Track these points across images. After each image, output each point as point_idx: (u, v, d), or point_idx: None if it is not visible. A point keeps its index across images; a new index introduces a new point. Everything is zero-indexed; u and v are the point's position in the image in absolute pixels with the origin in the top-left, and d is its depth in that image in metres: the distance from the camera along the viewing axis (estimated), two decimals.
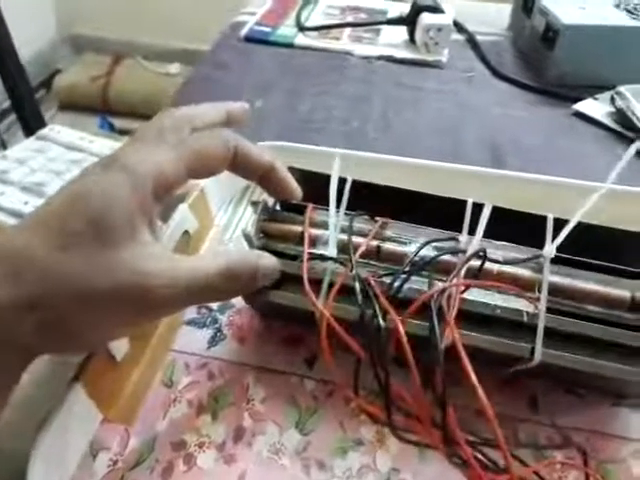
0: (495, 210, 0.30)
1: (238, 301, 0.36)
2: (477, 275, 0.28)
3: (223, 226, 0.42)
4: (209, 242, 0.40)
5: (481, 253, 0.28)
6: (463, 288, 0.27)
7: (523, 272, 0.29)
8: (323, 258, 0.28)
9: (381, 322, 0.25)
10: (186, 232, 0.36)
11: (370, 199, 0.31)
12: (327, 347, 0.25)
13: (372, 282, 0.27)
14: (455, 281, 0.26)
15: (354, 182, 0.32)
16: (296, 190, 0.29)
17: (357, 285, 0.26)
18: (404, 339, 0.24)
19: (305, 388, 0.32)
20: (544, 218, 0.30)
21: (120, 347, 0.30)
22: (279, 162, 0.28)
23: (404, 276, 0.27)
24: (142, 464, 0.28)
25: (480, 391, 0.22)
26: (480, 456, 0.23)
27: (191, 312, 0.36)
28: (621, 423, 0.31)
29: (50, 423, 0.26)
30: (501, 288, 0.28)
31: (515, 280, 0.28)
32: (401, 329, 0.24)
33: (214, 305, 0.36)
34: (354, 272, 0.27)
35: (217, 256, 0.24)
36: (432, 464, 0.29)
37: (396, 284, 0.27)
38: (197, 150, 0.24)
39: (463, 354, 0.23)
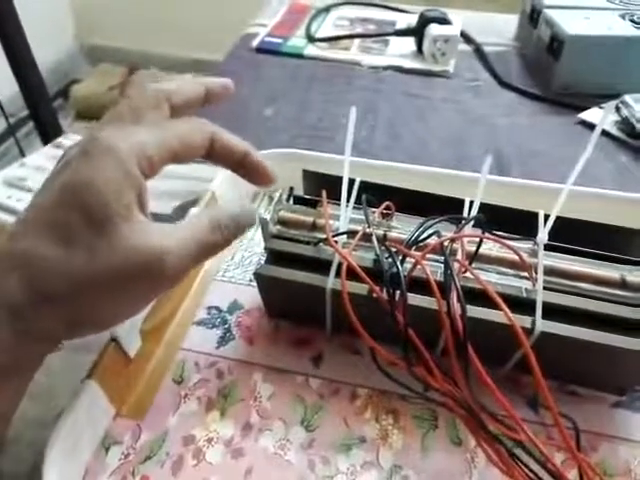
0: (491, 210, 0.31)
1: (247, 302, 0.37)
2: (476, 255, 0.31)
3: None
4: None
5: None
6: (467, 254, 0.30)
7: (520, 256, 0.30)
8: (339, 234, 0.31)
9: (398, 264, 0.27)
10: None
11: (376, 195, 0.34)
12: (346, 287, 0.27)
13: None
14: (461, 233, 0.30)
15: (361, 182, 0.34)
16: (272, 175, 0.28)
17: (374, 239, 0.30)
18: (426, 266, 0.26)
19: (311, 386, 0.33)
20: (535, 216, 0.32)
21: (133, 345, 0.32)
22: (254, 149, 0.27)
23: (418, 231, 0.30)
24: (153, 458, 0.29)
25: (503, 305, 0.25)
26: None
27: (201, 313, 0.37)
28: (622, 424, 0.31)
29: (65, 417, 0.27)
30: (501, 244, 0.30)
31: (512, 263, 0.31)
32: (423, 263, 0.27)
33: (224, 306, 0.37)
34: (371, 229, 0.31)
35: (204, 213, 0.25)
36: (434, 461, 0.29)
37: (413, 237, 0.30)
38: (179, 135, 0.24)
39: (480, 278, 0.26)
